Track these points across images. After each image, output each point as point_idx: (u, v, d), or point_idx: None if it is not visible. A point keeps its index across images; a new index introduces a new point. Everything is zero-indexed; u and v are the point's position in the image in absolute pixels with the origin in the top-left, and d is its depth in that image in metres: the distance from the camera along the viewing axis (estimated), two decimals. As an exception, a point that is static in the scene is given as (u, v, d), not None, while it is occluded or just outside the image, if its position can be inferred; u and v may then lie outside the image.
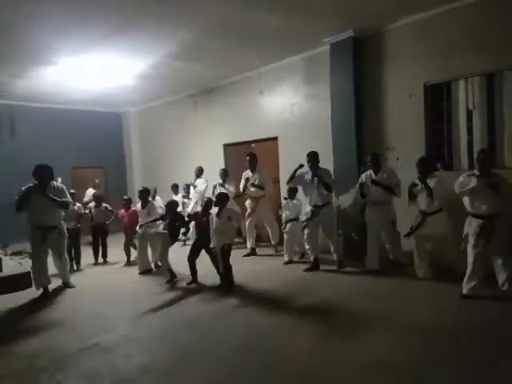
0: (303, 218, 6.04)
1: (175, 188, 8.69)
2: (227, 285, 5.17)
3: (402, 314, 4.09)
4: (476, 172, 4.31)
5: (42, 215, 5.12)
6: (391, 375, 2.93)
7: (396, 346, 3.38)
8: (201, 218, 5.53)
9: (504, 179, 4.23)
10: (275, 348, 3.50)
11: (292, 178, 5.90)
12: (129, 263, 7.05)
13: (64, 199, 5.29)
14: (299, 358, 3.29)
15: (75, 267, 6.77)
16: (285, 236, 6.62)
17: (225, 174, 7.70)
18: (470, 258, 4.36)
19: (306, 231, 5.96)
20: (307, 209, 5.96)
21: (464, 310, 4.13)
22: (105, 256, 7.35)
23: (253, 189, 7.12)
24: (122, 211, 7.10)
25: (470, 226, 4.36)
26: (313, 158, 5.82)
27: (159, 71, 7.61)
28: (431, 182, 4.89)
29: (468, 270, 4.39)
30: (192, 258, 5.51)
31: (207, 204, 5.55)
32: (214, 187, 7.59)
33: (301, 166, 5.82)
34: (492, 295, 4.30)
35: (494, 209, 4.19)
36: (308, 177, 5.84)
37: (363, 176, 5.61)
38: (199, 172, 8.37)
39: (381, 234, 5.65)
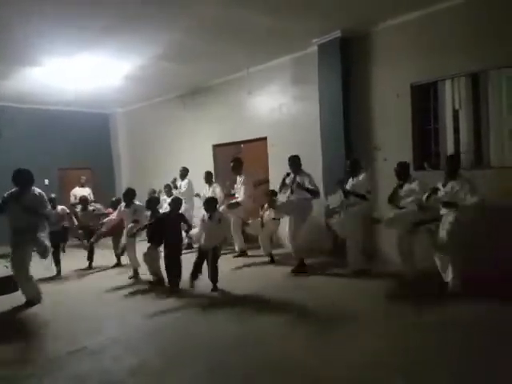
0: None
1: (152, 193, 8.53)
2: (212, 287, 5.16)
3: (392, 311, 4.14)
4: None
5: (19, 222, 4.90)
6: (389, 375, 2.93)
7: (391, 345, 3.40)
8: (171, 220, 5.47)
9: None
10: (269, 347, 3.49)
11: (281, 187, 5.87)
12: (118, 265, 6.98)
13: (45, 211, 5.06)
14: (295, 357, 3.28)
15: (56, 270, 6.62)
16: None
17: (210, 178, 7.62)
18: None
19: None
20: None
21: (454, 306, 4.17)
22: (90, 261, 7.05)
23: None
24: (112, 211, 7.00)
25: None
26: (293, 161, 5.79)
27: (147, 72, 7.57)
28: (412, 185, 4.91)
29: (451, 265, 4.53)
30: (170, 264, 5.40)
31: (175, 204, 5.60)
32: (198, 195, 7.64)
33: (287, 174, 5.82)
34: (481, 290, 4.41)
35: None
36: (288, 181, 5.79)
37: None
38: (184, 173, 8.27)
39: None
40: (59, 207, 6.70)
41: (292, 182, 5.75)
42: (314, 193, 5.64)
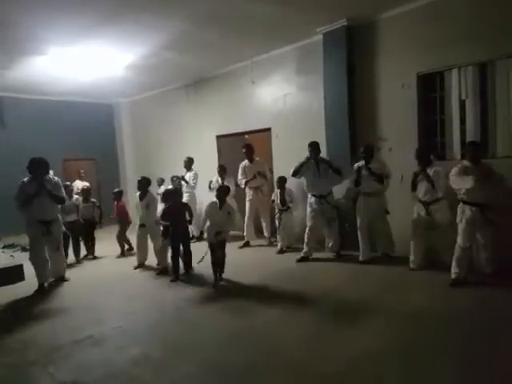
0: (308, 208, 6.03)
1: (160, 182, 8.51)
2: (218, 276, 5.20)
3: (393, 303, 4.13)
4: (466, 163, 4.46)
5: (39, 209, 5.05)
6: (389, 370, 2.92)
7: (390, 335, 3.41)
8: (174, 211, 5.48)
9: (492, 169, 4.37)
10: (270, 340, 3.49)
11: (298, 171, 5.83)
12: (123, 254, 7.04)
13: (60, 195, 5.28)
14: (295, 352, 3.28)
15: (75, 259, 6.77)
16: (277, 225, 6.68)
17: (223, 171, 7.57)
18: (459, 245, 4.50)
19: (309, 222, 6.00)
20: (311, 199, 5.96)
21: (453, 296, 4.19)
22: (93, 251, 7.12)
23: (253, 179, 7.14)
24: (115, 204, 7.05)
25: (464, 214, 4.46)
26: (315, 147, 5.83)
27: (150, 62, 7.50)
28: (431, 172, 4.87)
29: (456, 256, 4.52)
30: (175, 255, 5.47)
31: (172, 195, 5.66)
32: (210, 182, 7.60)
33: (308, 158, 5.81)
34: (479, 281, 4.45)
35: (486, 198, 4.31)
36: (311, 166, 5.82)
37: (355, 166, 5.65)
38: (189, 163, 8.22)
39: (371, 226, 5.67)
40: (75, 196, 6.78)
41: (317, 168, 5.79)
42: (338, 171, 5.70)
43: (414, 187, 5.06)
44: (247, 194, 7.30)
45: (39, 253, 5.23)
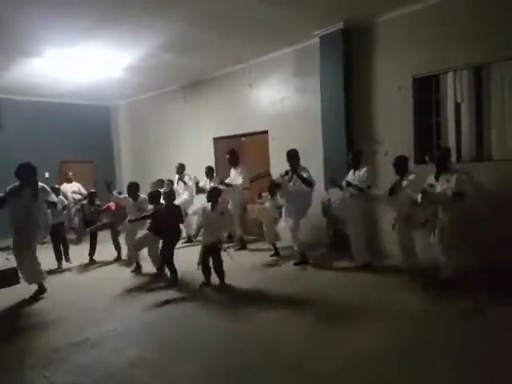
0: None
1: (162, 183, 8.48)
2: (219, 283, 5.09)
3: (391, 304, 4.15)
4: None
5: (13, 215, 4.94)
6: (387, 369, 2.92)
7: (389, 336, 3.43)
8: (167, 212, 5.45)
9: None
10: (268, 341, 3.49)
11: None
12: (119, 258, 6.99)
13: (51, 200, 5.17)
14: (293, 353, 3.28)
15: (65, 260, 6.69)
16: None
17: (211, 173, 7.57)
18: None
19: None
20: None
21: (449, 297, 4.22)
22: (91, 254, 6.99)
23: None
24: (111, 204, 7.00)
25: None
26: (291, 156, 5.80)
27: (148, 63, 7.51)
28: (407, 179, 4.95)
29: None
30: (170, 258, 5.40)
31: (169, 196, 5.65)
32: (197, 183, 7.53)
33: (286, 173, 5.81)
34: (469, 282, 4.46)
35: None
36: (288, 177, 5.80)
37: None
38: (180, 169, 8.19)
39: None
40: (59, 197, 6.68)
41: (291, 176, 5.76)
42: (308, 183, 5.64)
43: (391, 193, 5.09)
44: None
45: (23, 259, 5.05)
